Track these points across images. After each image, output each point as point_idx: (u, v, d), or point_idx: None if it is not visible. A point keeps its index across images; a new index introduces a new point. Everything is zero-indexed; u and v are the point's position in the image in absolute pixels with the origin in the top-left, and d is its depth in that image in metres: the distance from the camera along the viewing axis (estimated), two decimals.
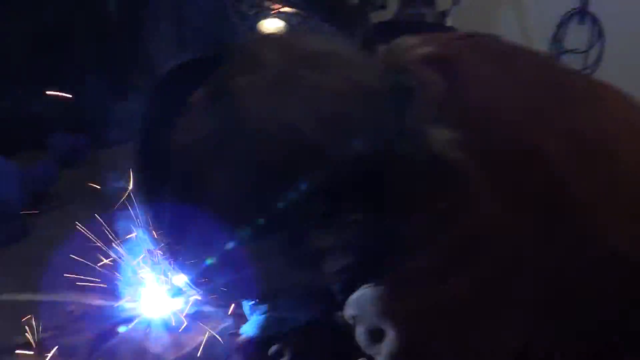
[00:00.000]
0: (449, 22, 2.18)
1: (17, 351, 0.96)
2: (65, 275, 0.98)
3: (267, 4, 1.31)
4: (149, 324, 0.95)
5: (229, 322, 0.97)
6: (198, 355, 0.92)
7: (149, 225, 0.68)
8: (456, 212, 0.58)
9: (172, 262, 0.69)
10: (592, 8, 2.85)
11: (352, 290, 0.64)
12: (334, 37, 0.84)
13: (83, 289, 0.98)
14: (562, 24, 2.91)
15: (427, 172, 0.59)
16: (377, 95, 0.60)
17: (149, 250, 0.90)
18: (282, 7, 1.30)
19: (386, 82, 0.62)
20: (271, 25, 1.33)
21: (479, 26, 2.93)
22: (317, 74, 0.58)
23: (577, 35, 2.91)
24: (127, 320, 0.96)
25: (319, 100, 0.57)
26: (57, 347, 0.93)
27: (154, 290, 0.96)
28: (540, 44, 2.97)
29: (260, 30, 1.35)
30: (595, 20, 2.85)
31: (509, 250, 0.58)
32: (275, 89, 0.57)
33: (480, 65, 0.68)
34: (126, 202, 0.95)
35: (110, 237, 0.99)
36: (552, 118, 0.64)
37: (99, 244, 0.99)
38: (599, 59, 2.88)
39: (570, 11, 2.88)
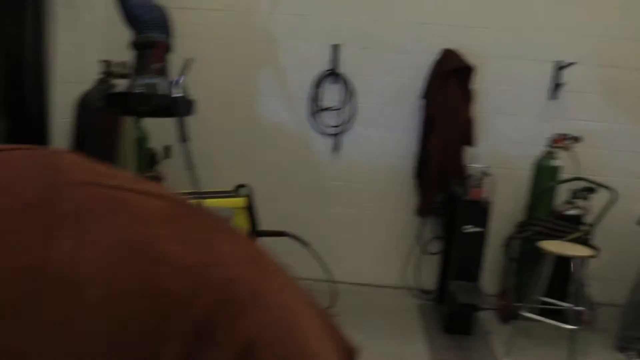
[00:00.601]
0: (178, 91, 2.24)
1: None
2: None
3: None
4: None
5: None
6: None
7: None
8: None
9: None
10: (342, 70, 3.13)
11: None
12: None
13: None
14: (319, 84, 3.15)
15: None
16: None
17: None
18: None
19: None
20: None
21: (227, 90, 3.08)
22: None
23: (332, 94, 3.17)
24: None
25: None
26: None
27: None
28: (299, 103, 3.19)
29: None
30: (345, 81, 3.14)
31: None
32: None
33: None
34: None
35: None
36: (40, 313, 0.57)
37: None
38: (352, 115, 3.15)
39: (323, 72, 3.14)
